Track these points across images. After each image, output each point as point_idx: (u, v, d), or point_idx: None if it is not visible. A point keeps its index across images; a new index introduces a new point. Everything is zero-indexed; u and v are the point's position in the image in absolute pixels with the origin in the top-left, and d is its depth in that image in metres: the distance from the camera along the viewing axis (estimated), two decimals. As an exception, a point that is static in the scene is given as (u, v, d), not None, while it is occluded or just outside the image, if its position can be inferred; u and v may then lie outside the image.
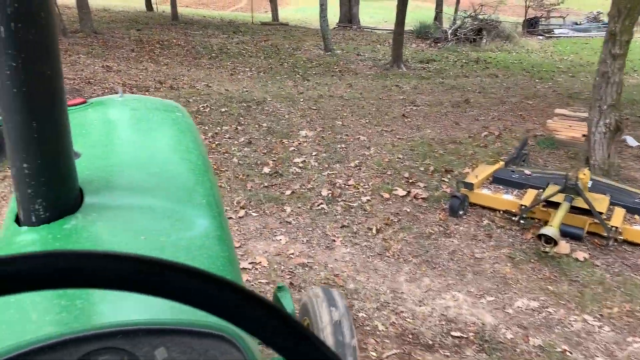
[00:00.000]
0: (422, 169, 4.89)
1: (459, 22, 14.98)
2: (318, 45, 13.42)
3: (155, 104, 1.76)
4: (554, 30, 17.88)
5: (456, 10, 16.97)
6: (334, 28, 19.80)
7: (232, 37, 14.59)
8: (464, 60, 12.02)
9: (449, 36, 14.58)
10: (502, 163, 4.59)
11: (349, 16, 20.06)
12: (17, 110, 0.82)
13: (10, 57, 0.78)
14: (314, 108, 6.91)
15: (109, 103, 1.67)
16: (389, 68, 10.67)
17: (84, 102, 1.61)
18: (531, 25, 18.24)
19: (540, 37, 17.54)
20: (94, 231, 0.96)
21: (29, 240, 0.90)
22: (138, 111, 1.64)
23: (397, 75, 10.07)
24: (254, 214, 3.94)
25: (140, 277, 0.34)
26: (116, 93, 1.76)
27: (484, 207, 4.04)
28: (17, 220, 0.94)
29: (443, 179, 4.67)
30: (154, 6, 21.55)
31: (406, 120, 6.56)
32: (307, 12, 25.06)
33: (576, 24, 18.42)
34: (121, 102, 1.68)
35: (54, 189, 0.91)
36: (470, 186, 4.04)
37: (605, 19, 20.31)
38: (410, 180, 4.60)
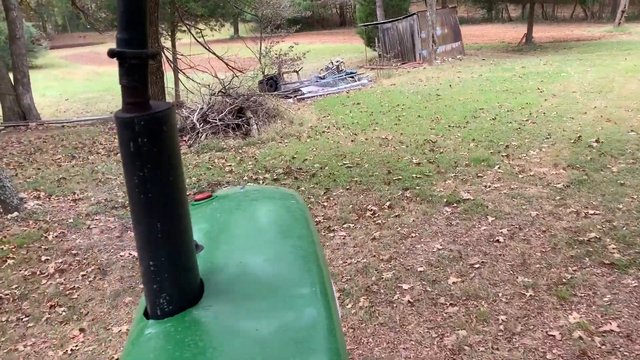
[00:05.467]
0: None
1: (203, 105, 10.27)
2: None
3: (273, 193, 1.93)
4: (300, 89, 14.83)
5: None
6: (-1, 132, 12.81)
7: None
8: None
9: (198, 126, 9.76)
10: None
11: (19, 110, 13.29)
12: (143, 214, 0.88)
13: (138, 168, 0.84)
14: None
15: (231, 196, 1.79)
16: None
17: (210, 196, 1.72)
18: (271, 86, 14.86)
19: (290, 100, 14.22)
20: (212, 323, 1.01)
21: (154, 333, 0.95)
22: (256, 201, 1.76)
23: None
24: None
25: None
26: (239, 186, 1.87)
27: None
28: (146, 314, 1.00)
29: None
30: None
31: None
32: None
33: (320, 78, 15.77)
34: (242, 194, 1.78)
35: (177, 283, 0.96)
36: None
37: (349, 68, 18.86)
38: None
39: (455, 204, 5.39)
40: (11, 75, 13.51)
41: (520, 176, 6.11)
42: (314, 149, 8.41)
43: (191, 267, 1.01)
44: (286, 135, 9.62)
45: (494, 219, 4.92)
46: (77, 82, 24.97)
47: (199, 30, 12.14)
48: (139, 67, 0.82)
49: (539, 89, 11.77)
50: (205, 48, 5.80)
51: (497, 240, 4.46)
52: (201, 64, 9.62)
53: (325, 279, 1.28)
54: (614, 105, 9.30)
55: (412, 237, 4.73)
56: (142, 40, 0.81)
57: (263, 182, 6.87)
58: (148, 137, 0.84)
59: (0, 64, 12.96)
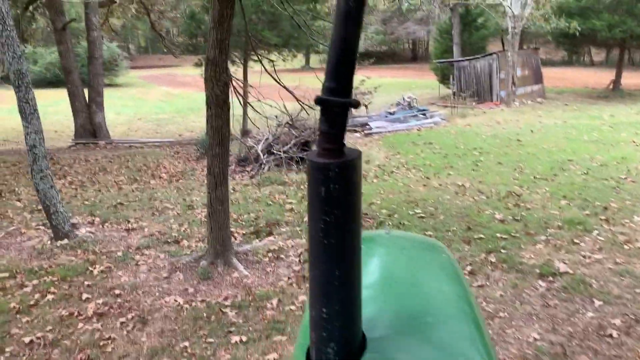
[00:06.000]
0: None
1: (269, 136, 9.90)
2: (32, 218, 6.90)
3: (421, 243, 1.84)
4: (368, 123, 14.29)
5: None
6: (69, 148, 13.04)
7: None
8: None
9: (262, 158, 9.38)
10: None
11: (90, 128, 13.52)
12: (323, 259, 0.89)
13: (326, 212, 0.85)
14: None
15: (378, 240, 1.72)
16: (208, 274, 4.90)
17: None
18: (339, 119, 14.40)
19: (357, 135, 13.70)
20: None
21: None
22: (406, 250, 1.69)
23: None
24: None
25: None
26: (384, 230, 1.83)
27: None
28: (308, 358, 0.99)
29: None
30: None
31: None
32: None
33: (390, 113, 15.19)
34: (389, 239, 1.73)
35: (345, 333, 0.96)
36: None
37: (420, 104, 18.27)
38: None
39: (550, 278, 4.56)
40: (86, 92, 13.80)
41: (626, 247, 5.20)
42: (382, 192, 7.77)
43: (359, 317, 1.00)
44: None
45: (601, 303, 4.07)
46: (151, 102, 25.65)
47: (271, 61, 11.87)
48: (340, 116, 0.85)
49: (634, 141, 10.63)
50: (276, 81, 5.33)
51: (610, 335, 3.61)
52: (271, 93, 9.32)
53: (488, 345, 1.27)
54: None
55: (500, 317, 3.95)
56: (348, 89, 0.83)
57: (326, 227, 6.29)
58: (340, 183, 0.86)
59: (77, 81, 13.25)
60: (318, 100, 0.82)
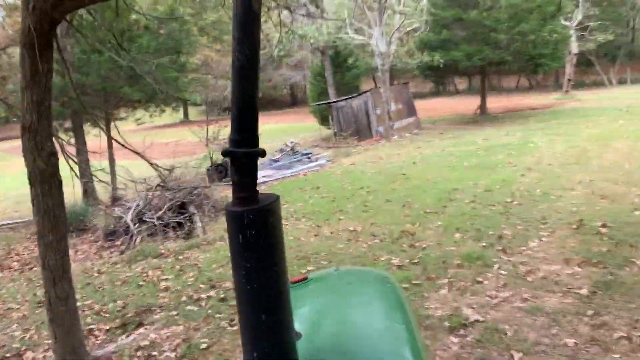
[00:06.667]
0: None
1: (139, 202, 8.81)
2: None
3: (367, 275, 1.97)
4: (253, 173, 13.59)
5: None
6: None
7: None
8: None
9: (133, 228, 8.26)
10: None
11: None
12: (249, 305, 0.91)
13: (246, 259, 0.88)
14: None
15: (327, 278, 1.82)
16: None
17: (306, 279, 1.74)
18: (221, 172, 13.58)
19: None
20: None
21: None
22: (352, 285, 1.77)
23: None
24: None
25: None
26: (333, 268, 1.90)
27: None
28: None
29: None
30: None
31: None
32: None
33: (274, 160, 14.64)
34: (337, 277, 1.80)
35: None
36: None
37: (304, 148, 17.85)
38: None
39: (462, 331, 4.05)
40: None
41: (529, 279, 4.89)
42: (271, 251, 7.02)
43: (293, 358, 0.99)
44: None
45: (521, 355, 3.59)
46: (11, 176, 22.97)
47: (137, 119, 10.87)
48: (249, 165, 0.87)
49: (510, 162, 10.96)
50: (123, 145, 4.46)
51: (540, 398, 3.11)
52: (151, 152, 8.32)
53: None
54: (601, 179, 8.43)
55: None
56: (253, 139, 0.86)
57: (206, 305, 5.37)
58: (256, 229, 0.87)
59: None
60: (225, 153, 0.87)
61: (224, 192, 11.48)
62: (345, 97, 20.42)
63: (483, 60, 18.78)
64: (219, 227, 8.50)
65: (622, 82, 32.06)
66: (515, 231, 6.37)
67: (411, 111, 20.84)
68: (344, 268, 1.91)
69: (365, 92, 20.15)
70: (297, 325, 1.18)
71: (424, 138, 17.94)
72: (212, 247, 7.65)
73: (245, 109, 0.84)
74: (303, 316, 1.46)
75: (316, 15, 19.92)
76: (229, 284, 5.87)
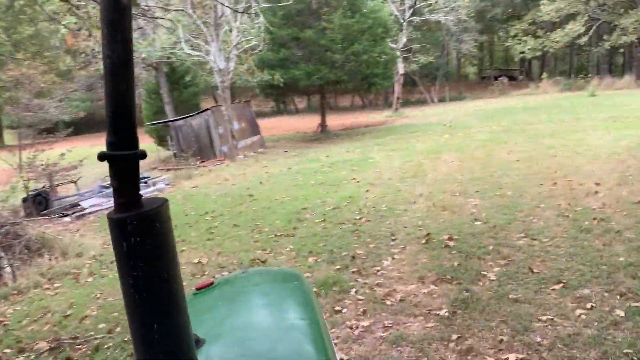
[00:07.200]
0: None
1: None
2: None
3: (276, 275, 1.97)
4: (80, 203, 12.00)
5: None
6: None
7: None
8: None
9: None
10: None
11: None
12: (139, 314, 0.84)
13: (132, 267, 0.81)
14: None
15: (233, 281, 1.80)
16: None
17: (212, 284, 1.70)
18: (40, 203, 11.76)
19: (68, 219, 11.28)
20: None
21: None
22: (259, 286, 1.75)
23: None
24: None
25: None
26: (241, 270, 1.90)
27: None
28: None
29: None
30: None
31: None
32: None
33: (104, 187, 13.11)
34: (245, 279, 1.79)
35: None
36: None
37: (140, 171, 16.03)
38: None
39: (326, 375, 3.60)
40: None
41: (388, 303, 4.66)
42: (99, 296, 5.97)
43: None
44: (57, 276, 6.95)
45: (393, 397, 3.23)
46: None
47: None
48: (128, 168, 0.82)
49: (354, 178, 11.06)
50: None
51: None
52: None
53: (331, 355, 1.31)
54: (438, 191, 8.79)
55: None
56: (132, 141, 0.80)
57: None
58: (140, 236, 0.82)
59: None
60: (101, 156, 0.80)
61: (45, 226, 9.86)
62: (184, 116, 19.38)
63: (322, 79, 19.18)
64: (34, 271, 7.12)
65: (442, 99, 35.52)
66: (368, 250, 6.20)
67: (255, 130, 20.51)
68: (252, 270, 1.89)
69: (205, 110, 19.33)
70: (201, 332, 1.19)
71: (269, 157, 17.68)
72: (26, 297, 6.33)
73: (121, 109, 0.79)
74: (207, 322, 1.44)
75: (147, 30, 18.69)
76: (45, 343, 4.77)
